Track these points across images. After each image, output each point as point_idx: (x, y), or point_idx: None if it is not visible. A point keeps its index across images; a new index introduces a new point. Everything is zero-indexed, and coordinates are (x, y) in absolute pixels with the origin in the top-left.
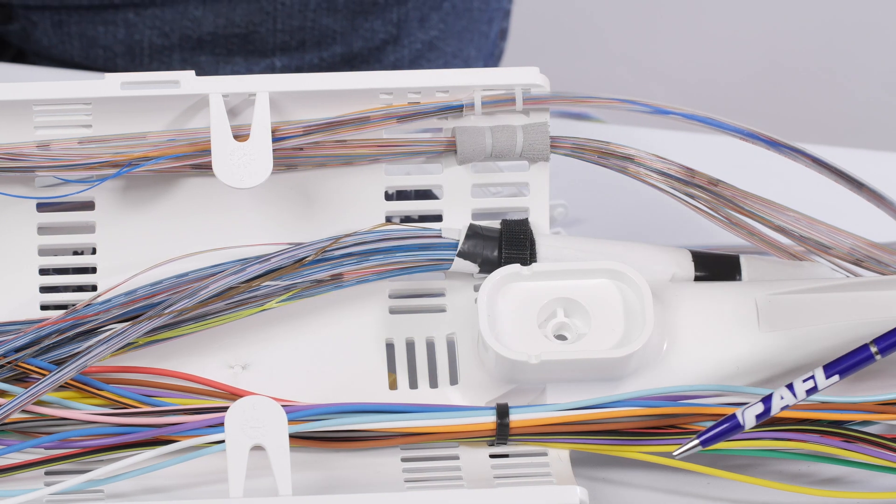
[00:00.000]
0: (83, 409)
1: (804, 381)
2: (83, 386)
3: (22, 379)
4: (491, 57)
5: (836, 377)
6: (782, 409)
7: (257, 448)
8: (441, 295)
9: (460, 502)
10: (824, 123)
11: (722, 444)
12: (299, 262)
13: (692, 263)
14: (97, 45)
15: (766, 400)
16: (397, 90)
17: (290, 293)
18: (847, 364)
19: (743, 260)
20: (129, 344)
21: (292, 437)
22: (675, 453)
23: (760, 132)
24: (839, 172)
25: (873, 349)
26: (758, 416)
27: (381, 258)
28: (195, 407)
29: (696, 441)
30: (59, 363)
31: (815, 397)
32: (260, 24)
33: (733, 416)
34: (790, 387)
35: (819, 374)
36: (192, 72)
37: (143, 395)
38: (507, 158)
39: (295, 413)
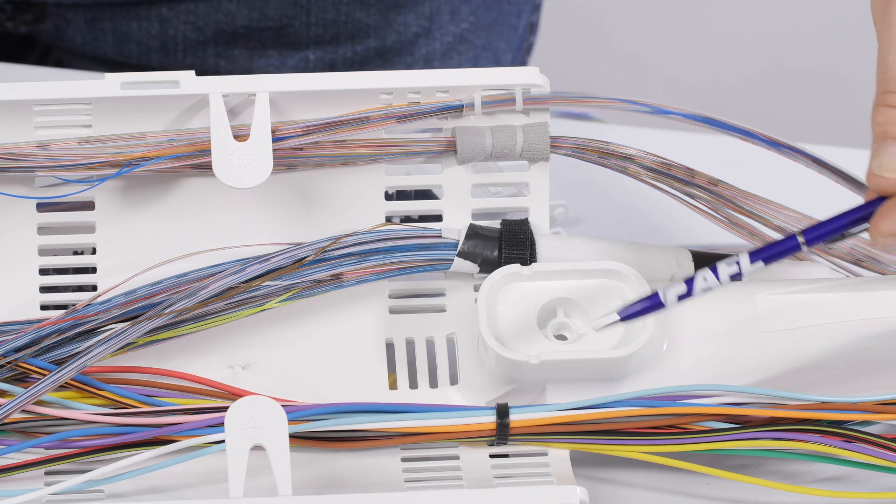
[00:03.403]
0: (83, 409)
1: (728, 265)
2: (83, 386)
3: (22, 379)
4: (519, 50)
5: (761, 263)
6: (704, 291)
7: (257, 448)
8: (441, 295)
9: (460, 502)
10: (824, 123)
11: (722, 444)
12: (299, 262)
13: (692, 263)
14: (131, 41)
15: (689, 282)
16: (397, 90)
17: (290, 293)
18: (773, 252)
19: None
20: (129, 344)
21: (292, 437)
22: (594, 324)
23: (760, 132)
24: (839, 172)
25: (800, 239)
26: (680, 297)
27: (380, 258)
28: (195, 407)
29: (617, 317)
30: (59, 363)
31: (815, 396)
32: (294, 17)
33: (655, 294)
34: (714, 269)
35: (744, 258)
36: (192, 72)
37: (143, 395)
38: (507, 158)
39: (295, 413)
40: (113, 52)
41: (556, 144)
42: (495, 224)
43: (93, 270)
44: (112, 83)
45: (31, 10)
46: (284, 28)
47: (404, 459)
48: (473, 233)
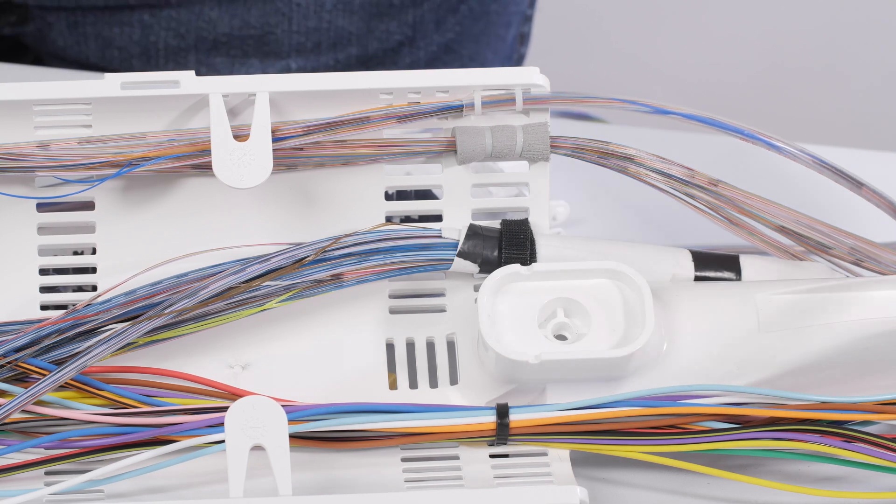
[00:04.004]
0: (83, 409)
1: None
2: (83, 386)
3: (22, 379)
4: (509, 61)
5: None
6: None
7: (257, 448)
8: (441, 295)
9: (460, 502)
10: (824, 123)
11: (722, 444)
12: (299, 262)
13: (692, 263)
14: (113, 46)
15: None
16: (397, 90)
17: (290, 293)
18: None
19: (743, 260)
20: (129, 344)
21: (292, 437)
22: None
23: (760, 132)
24: (839, 172)
25: None
26: None
27: (381, 258)
28: (195, 407)
29: None
30: (59, 363)
31: (815, 396)
32: (276, 25)
33: None
34: None
35: None
36: (192, 72)
37: (143, 395)
38: (507, 158)
39: (295, 413)
40: (95, 56)
41: (556, 144)
42: (495, 224)
43: (93, 270)
44: (112, 83)
45: (15, 12)
46: (266, 36)
47: (404, 459)
48: (473, 233)
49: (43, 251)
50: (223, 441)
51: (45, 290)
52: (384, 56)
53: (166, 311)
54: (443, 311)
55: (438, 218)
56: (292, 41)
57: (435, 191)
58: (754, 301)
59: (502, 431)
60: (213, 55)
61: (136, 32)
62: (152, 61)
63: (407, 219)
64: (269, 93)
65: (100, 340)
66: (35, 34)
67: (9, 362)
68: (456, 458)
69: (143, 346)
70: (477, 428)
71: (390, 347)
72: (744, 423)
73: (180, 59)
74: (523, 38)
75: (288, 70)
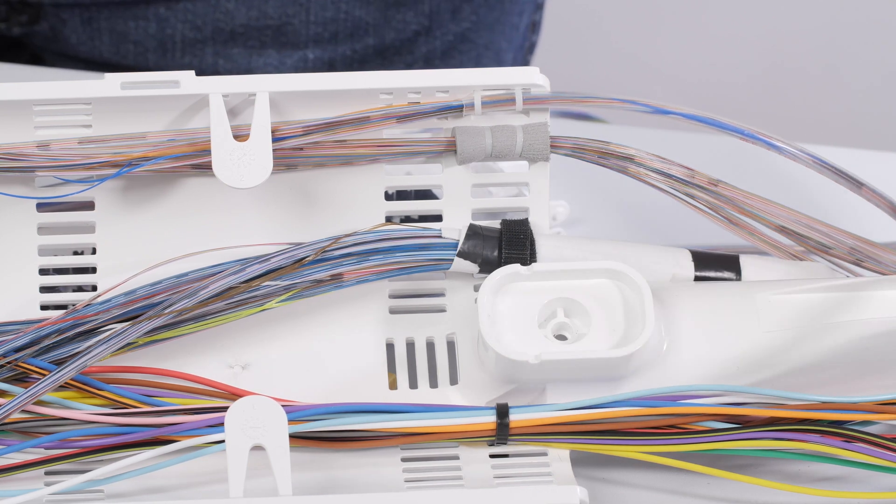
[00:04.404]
0: (83, 409)
1: None
2: (83, 386)
3: (22, 379)
4: (521, 49)
5: None
6: None
7: (257, 448)
8: (441, 295)
9: (460, 502)
10: (824, 123)
11: (722, 444)
12: (299, 262)
13: (692, 263)
14: (128, 41)
15: None
16: (397, 90)
17: (290, 293)
18: None
19: (743, 260)
20: (129, 344)
21: (292, 437)
22: None
23: (760, 132)
24: (839, 172)
25: None
26: None
27: (380, 258)
28: (195, 407)
29: None
30: (59, 363)
31: (815, 396)
32: (293, 15)
33: None
34: None
35: None
36: (192, 72)
37: (143, 395)
38: (507, 158)
39: (295, 413)
40: (109, 52)
41: (556, 144)
42: (495, 224)
43: (93, 270)
44: (112, 83)
45: (27, 11)
46: (283, 27)
47: (404, 459)
48: (473, 233)
49: (43, 251)
50: (223, 441)
51: (45, 290)
52: (401, 46)
53: (166, 311)
54: (443, 311)
55: (438, 218)
56: (310, 31)
57: (435, 191)
58: (754, 301)
59: (502, 431)
60: (231, 47)
61: (151, 26)
62: (168, 55)
63: (407, 219)
64: (269, 93)
65: (100, 340)
66: (46, 33)
67: (9, 362)
68: (456, 458)
69: (143, 346)
70: (477, 428)
71: (390, 347)
72: (744, 423)
73: (197, 52)
74: (535, 27)
75: (305, 60)
